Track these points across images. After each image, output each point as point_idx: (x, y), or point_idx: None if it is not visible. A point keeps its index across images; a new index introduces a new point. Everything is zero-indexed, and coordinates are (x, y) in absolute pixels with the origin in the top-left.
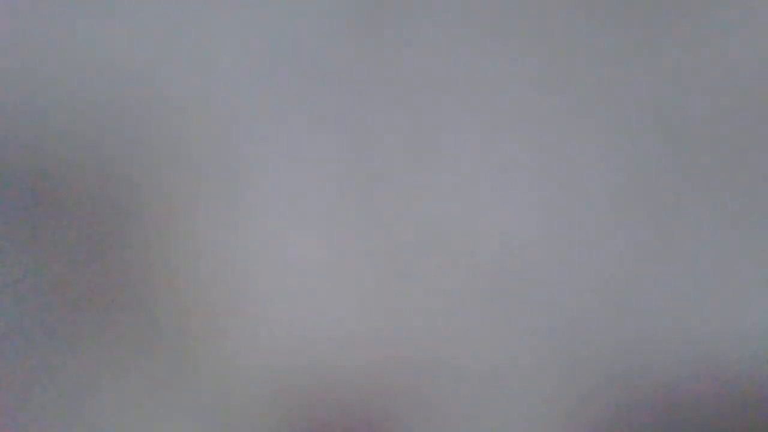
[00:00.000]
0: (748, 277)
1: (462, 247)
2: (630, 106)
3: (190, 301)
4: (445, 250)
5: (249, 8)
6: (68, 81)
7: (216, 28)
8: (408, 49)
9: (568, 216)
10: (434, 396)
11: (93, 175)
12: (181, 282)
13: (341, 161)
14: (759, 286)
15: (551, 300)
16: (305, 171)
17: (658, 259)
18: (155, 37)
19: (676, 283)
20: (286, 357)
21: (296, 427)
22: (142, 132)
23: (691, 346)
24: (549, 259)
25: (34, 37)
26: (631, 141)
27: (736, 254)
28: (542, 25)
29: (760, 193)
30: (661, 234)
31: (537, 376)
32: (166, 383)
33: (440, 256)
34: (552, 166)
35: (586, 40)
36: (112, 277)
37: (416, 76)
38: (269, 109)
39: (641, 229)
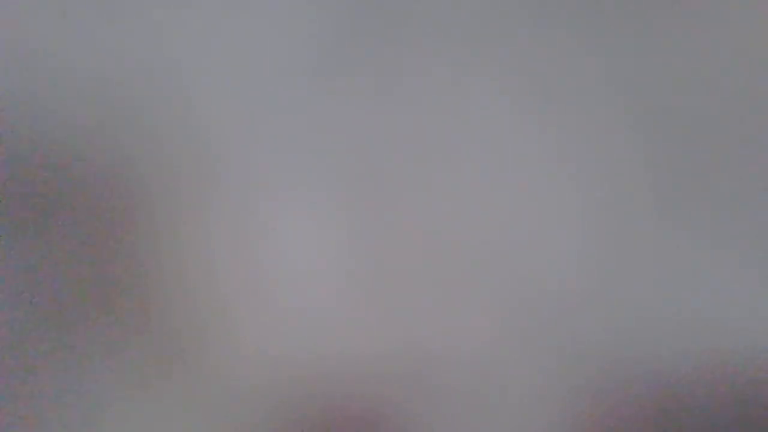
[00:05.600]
0: (744, 272)
1: (459, 243)
2: (626, 105)
3: (195, 294)
4: (443, 246)
5: (258, 12)
6: (79, 79)
7: (228, 31)
8: (408, 49)
9: (565, 213)
10: (432, 384)
11: (102, 175)
12: (188, 275)
13: (343, 161)
14: (754, 281)
15: (549, 295)
16: (307, 169)
17: (653, 256)
18: (166, 41)
19: (671, 278)
20: (289, 348)
21: (298, 416)
22: (151, 131)
23: (685, 341)
24: (547, 255)
25: (40, 36)
26: (625, 138)
27: (732, 249)
28: (541, 24)
29: (756, 190)
30: (655, 231)
31: (534, 368)
32: (169, 375)
33: (437, 253)
34: (546, 164)
35: (583, 40)
36: (118, 275)
37: (416, 76)
38: (276, 110)
39: (636, 226)
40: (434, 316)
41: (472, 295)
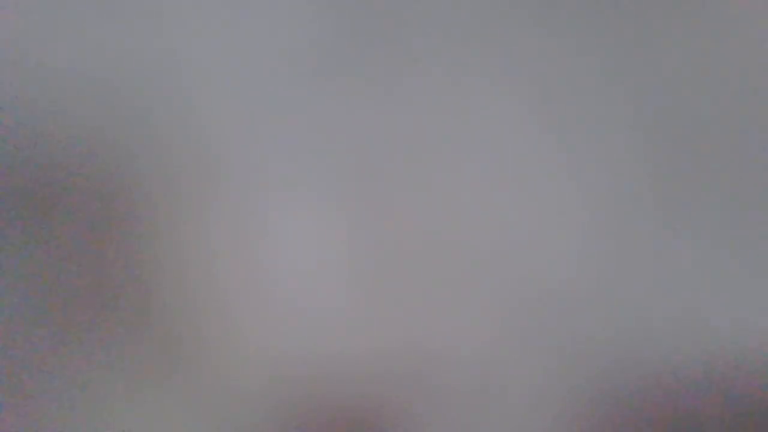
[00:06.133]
0: (745, 272)
1: (459, 243)
2: (626, 107)
3: (195, 294)
4: (443, 246)
5: (257, 12)
6: (79, 79)
7: (228, 31)
8: (408, 50)
9: (565, 213)
10: (432, 384)
11: (102, 175)
12: (189, 276)
13: (343, 161)
14: (755, 282)
15: (549, 295)
16: (307, 169)
17: (653, 256)
18: (167, 41)
19: (671, 279)
20: (289, 348)
21: (298, 416)
22: (151, 131)
23: (685, 341)
24: (547, 256)
25: (40, 36)
26: (625, 138)
27: (732, 249)
28: (541, 24)
29: (756, 190)
30: (655, 231)
31: (534, 368)
32: (170, 375)
33: (437, 253)
34: (547, 164)
35: (583, 41)
36: (118, 275)
37: (416, 76)
38: (276, 110)
39: (637, 226)
40: (434, 316)
41: (473, 295)
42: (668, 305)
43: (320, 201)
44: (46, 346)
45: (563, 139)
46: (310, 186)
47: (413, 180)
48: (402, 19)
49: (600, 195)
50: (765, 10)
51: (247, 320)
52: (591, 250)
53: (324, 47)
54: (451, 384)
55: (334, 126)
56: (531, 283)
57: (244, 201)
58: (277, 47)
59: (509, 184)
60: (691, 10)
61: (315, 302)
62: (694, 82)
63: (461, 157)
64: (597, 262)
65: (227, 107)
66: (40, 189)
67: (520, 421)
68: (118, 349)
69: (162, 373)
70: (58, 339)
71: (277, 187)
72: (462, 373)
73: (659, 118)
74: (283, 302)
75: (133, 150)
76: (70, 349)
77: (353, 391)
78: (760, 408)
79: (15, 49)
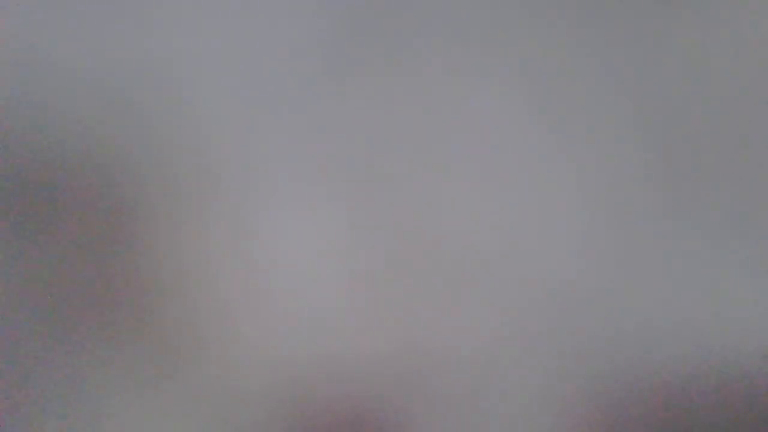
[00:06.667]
0: (747, 273)
1: (460, 243)
2: (626, 106)
3: (196, 295)
4: (443, 247)
5: (257, 11)
6: (79, 79)
7: (229, 31)
8: (409, 50)
9: (567, 214)
10: (432, 385)
11: (101, 175)
12: (188, 277)
13: (344, 161)
14: (757, 283)
15: (551, 296)
16: (307, 169)
17: (656, 257)
18: (167, 41)
19: (674, 280)
20: (288, 349)
21: (298, 417)
22: (150, 131)
23: (689, 342)
24: (549, 256)
25: (40, 36)
26: (628, 138)
27: (735, 250)
28: (542, 25)
29: (759, 191)
30: (658, 233)
31: (535, 369)
32: (170, 376)
33: (438, 253)
34: (549, 165)
35: (583, 42)
36: (117, 275)
37: (417, 76)
38: (276, 110)
39: (640, 227)
40: (435, 317)
41: (473, 296)
42: (670, 306)
43: (320, 201)
44: (46, 346)
45: (563, 139)
46: (310, 186)
47: (413, 180)
48: (402, 19)
49: (600, 195)
50: (765, 10)
51: (246, 321)
52: (592, 251)
53: (324, 47)
54: (452, 384)
55: (335, 126)
56: (532, 283)
57: (244, 201)
58: (277, 47)
59: (510, 184)
60: (691, 10)
61: (315, 303)
62: (694, 82)
63: (461, 156)
64: (598, 263)
65: (227, 107)
66: (40, 189)
67: (521, 422)
68: (118, 349)
69: (162, 373)
70: (58, 339)
71: (277, 187)
72: (462, 374)
73: (660, 117)
74: (282, 303)
75: (133, 150)
76: (70, 349)
77: (353, 391)
78: (761, 409)
79: (15, 49)
